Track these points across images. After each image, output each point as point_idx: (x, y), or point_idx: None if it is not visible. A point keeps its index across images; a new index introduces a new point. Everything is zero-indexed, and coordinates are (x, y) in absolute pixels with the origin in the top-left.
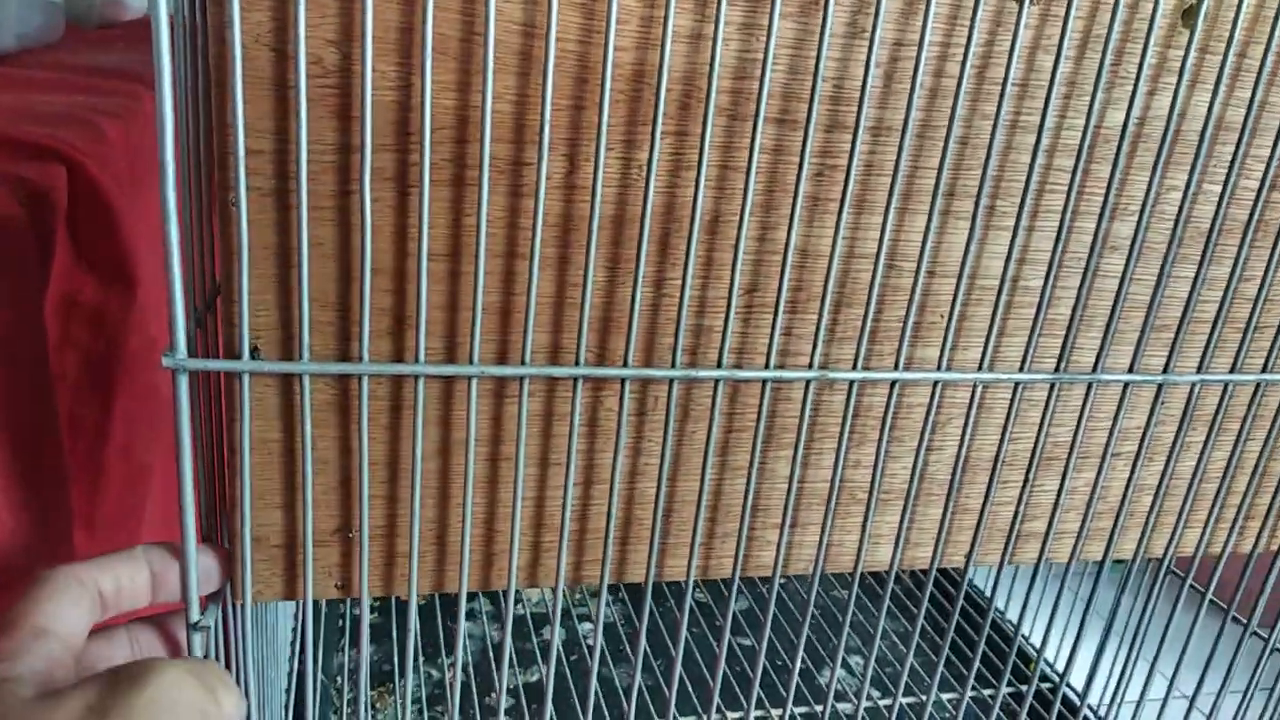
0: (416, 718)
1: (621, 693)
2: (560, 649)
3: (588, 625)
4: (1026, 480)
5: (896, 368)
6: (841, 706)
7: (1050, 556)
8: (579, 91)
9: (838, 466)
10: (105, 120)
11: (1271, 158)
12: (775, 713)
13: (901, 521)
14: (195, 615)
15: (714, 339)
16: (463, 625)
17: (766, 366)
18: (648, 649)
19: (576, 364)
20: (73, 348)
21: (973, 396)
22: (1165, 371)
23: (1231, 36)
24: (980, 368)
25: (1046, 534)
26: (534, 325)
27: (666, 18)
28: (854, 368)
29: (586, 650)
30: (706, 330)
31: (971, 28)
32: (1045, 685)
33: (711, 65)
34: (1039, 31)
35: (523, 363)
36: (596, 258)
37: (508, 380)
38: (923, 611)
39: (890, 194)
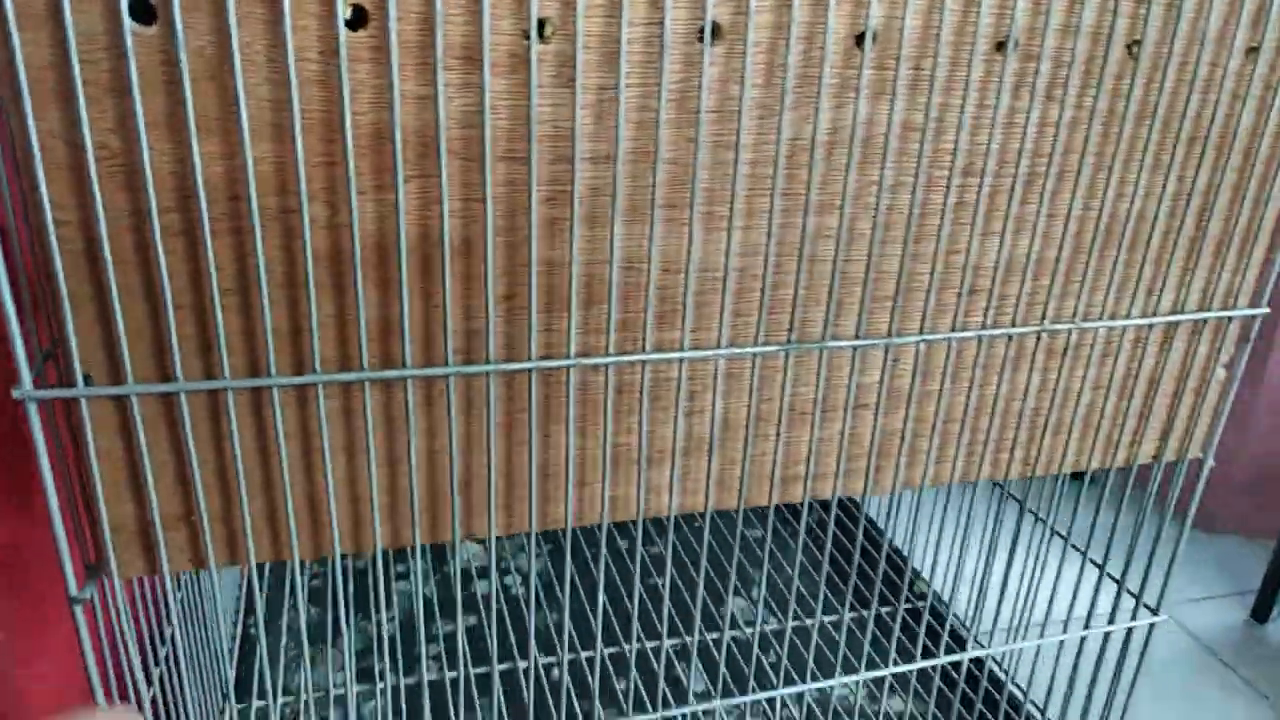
0: (353, 668)
1: (552, 630)
2: (496, 595)
3: (514, 577)
4: (778, 434)
5: (645, 350)
6: (737, 632)
7: (813, 495)
8: (329, 150)
9: (605, 435)
10: None
11: (956, 150)
12: (671, 642)
13: (671, 475)
14: (74, 590)
15: (483, 339)
16: (301, 589)
17: (529, 358)
18: (562, 594)
19: (362, 369)
20: None
21: (716, 369)
22: (889, 335)
23: (900, 54)
24: (718, 345)
25: (806, 476)
26: (320, 339)
27: (392, 85)
28: (607, 353)
29: (504, 599)
30: (476, 333)
31: (662, 70)
32: (920, 604)
33: (436, 121)
34: (726, 67)
35: (314, 371)
36: (368, 280)
37: (307, 386)
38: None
39: (613, 209)
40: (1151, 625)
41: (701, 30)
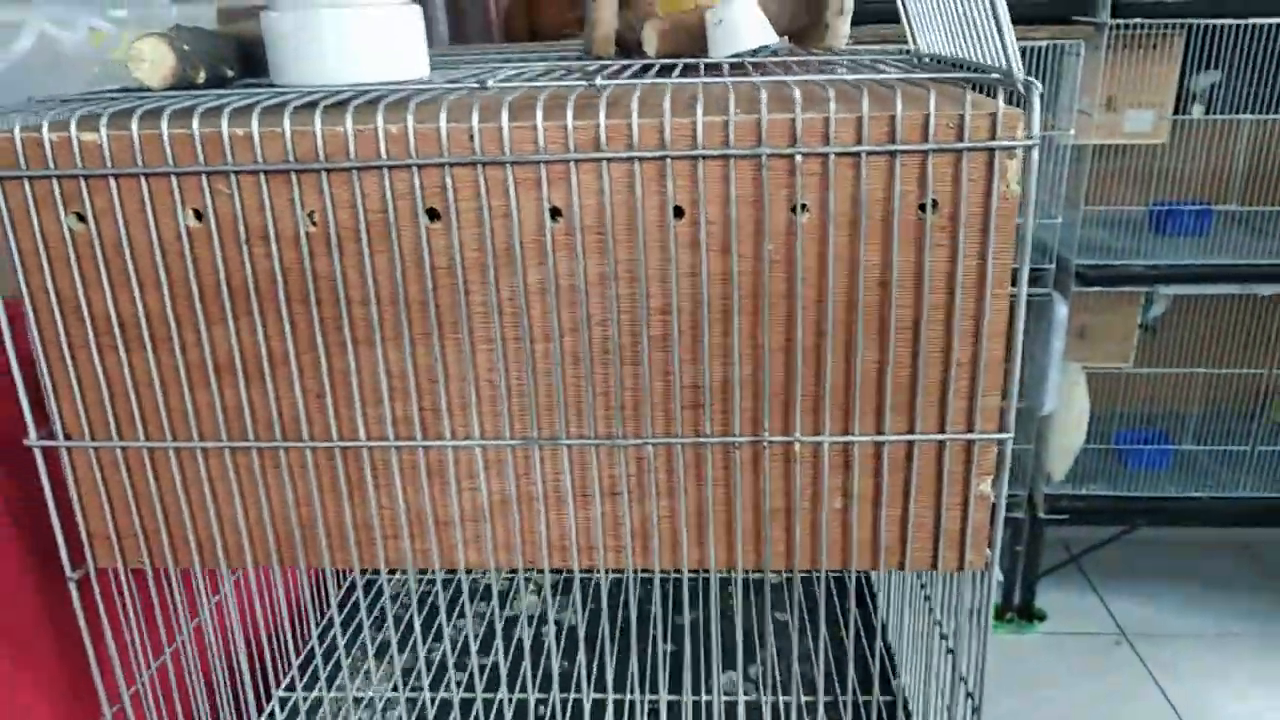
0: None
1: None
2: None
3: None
4: (539, 512)
5: (421, 439)
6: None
7: (586, 565)
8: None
9: (401, 500)
10: None
11: (645, 294)
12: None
13: (459, 535)
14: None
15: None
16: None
17: (333, 439)
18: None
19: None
20: None
21: (479, 456)
22: (613, 438)
23: (581, 224)
24: (473, 437)
25: (574, 546)
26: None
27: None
28: (392, 439)
29: (526, 637)
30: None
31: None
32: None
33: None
34: (446, 240)
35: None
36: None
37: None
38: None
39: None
40: None
41: (429, 211)
